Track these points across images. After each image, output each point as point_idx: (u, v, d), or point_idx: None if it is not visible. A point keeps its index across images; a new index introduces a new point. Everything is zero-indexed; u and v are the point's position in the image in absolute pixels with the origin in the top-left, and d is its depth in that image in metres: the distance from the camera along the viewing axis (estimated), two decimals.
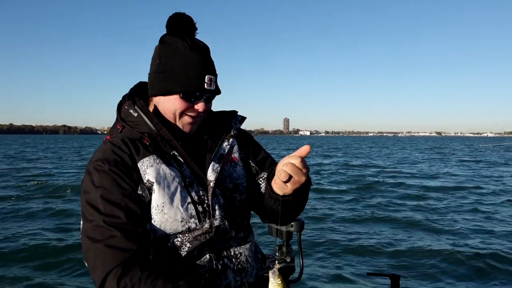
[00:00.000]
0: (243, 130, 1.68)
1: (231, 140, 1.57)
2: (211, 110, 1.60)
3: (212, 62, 1.45)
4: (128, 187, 1.34)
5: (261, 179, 1.57)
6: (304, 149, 1.23)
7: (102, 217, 1.28)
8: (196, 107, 1.43)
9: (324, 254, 6.97)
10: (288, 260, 2.32)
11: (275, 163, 1.62)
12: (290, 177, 1.26)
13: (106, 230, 1.27)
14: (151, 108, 1.50)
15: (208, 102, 1.46)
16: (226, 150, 1.54)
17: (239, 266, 1.47)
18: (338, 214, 10.31)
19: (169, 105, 1.44)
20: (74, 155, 36.79)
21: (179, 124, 1.47)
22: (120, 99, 1.53)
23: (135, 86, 1.54)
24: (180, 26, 1.42)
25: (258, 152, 1.64)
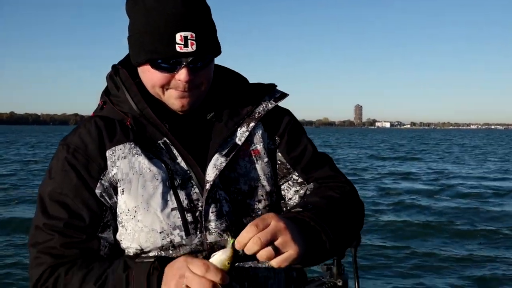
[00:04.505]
0: (281, 110, 1.59)
1: (252, 124, 1.48)
2: (244, 81, 1.57)
3: (196, 13, 1.34)
4: (80, 183, 1.37)
5: (290, 182, 1.51)
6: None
7: (44, 219, 1.37)
8: (177, 77, 1.36)
9: (386, 275, 7.05)
10: (340, 284, 2.37)
11: (318, 164, 1.54)
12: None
13: (45, 234, 1.36)
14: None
15: (195, 71, 1.36)
16: (243, 139, 1.46)
17: None
18: (403, 223, 10.38)
19: (145, 78, 1.42)
20: None
21: (165, 101, 1.43)
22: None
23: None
24: None
25: (296, 143, 1.55)
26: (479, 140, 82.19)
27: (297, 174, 1.51)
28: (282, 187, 1.53)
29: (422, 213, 12.07)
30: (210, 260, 1.19)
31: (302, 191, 1.51)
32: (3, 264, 7.49)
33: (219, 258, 1.18)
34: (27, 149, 40.14)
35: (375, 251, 8.26)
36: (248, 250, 1.15)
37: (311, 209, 1.33)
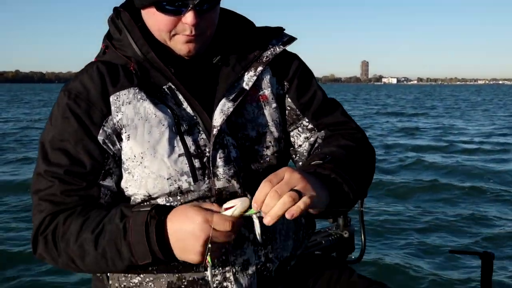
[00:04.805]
0: (289, 54, 1.55)
1: (260, 69, 1.44)
2: (251, 25, 1.53)
3: None
4: (82, 130, 1.35)
5: (299, 129, 1.50)
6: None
7: (45, 166, 1.35)
8: (183, 20, 1.31)
9: (392, 228, 7.08)
10: (346, 235, 2.35)
11: (328, 109, 1.52)
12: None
13: (46, 181, 1.34)
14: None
15: (202, 13, 1.32)
16: (251, 83, 1.43)
17: (263, 236, 1.39)
18: (409, 180, 10.36)
19: (150, 22, 1.38)
20: None
21: (172, 46, 1.39)
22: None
23: None
24: None
25: (305, 88, 1.52)
26: (486, 95, 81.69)
27: (307, 120, 1.50)
28: (292, 133, 1.52)
29: (428, 169, 12.04)
30: (227, 212, 1.20)
31: (312, 138, 1.50)
32: (9, 227, 7.50)
33: (237, 210, 1.20)
34: (32, 108, 40.23)
35: (381, 208, 8.28)
36: (267, 206, 1.12)
37: (331, 161, 1.31)
